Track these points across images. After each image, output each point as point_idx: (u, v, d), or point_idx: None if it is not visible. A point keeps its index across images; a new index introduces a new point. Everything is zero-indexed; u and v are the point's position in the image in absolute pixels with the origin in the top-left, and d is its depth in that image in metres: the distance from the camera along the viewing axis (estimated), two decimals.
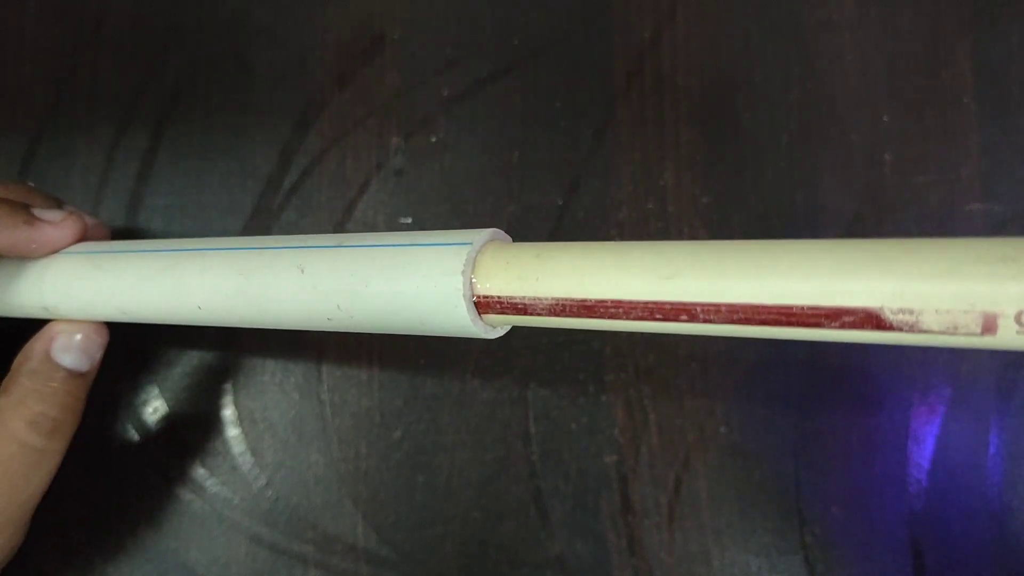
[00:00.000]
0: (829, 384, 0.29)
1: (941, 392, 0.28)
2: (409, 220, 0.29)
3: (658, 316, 0.15)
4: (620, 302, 0.16)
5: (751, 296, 0.14)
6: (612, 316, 0.16)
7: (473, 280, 0.18)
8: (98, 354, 0.25)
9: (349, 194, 0.29)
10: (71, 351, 0.24)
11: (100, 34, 0.31)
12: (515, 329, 0.28)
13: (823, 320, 0.14)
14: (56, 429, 0.23)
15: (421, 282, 0.18)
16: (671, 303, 0.15)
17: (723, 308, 0.15)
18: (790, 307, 0.14)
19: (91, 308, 0.24)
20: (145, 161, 0.30)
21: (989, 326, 0.12)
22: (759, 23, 0.30)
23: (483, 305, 0.18)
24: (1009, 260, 0.12)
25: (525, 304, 0.17)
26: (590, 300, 0.16)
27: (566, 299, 0.17)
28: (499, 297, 0.18)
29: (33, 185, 0.26)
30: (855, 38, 0.30)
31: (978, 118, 0.29)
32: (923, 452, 0.28)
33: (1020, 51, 0.30)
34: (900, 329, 0.13)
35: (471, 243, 0.18)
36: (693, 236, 0.29)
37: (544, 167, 0.29)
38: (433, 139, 0.30)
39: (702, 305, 0.15)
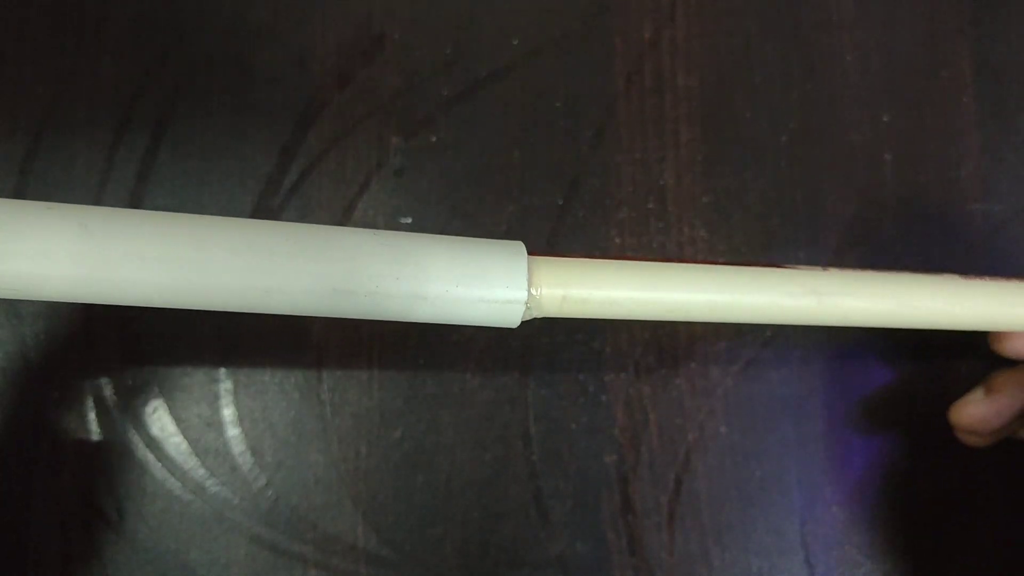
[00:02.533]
0: (828, 384, 0.29)
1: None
2: (409, 220, 0.29)
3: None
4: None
5: None
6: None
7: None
8: None
9: (349, 194, 0.29)
10: None
11: (100, 34, 0.31)
12: (514, 329, 0.28)
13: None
14: None
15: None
16: None
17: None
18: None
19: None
20: (145, 161, 0.30)
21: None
22: (759, 23, 0.30)
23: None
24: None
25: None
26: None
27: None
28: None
29: None
30: (855, 38, 0.30)
31: (978, 118, 0.29)
32: (921, 451, 0.28)
33: (1020, 51, 0.30)
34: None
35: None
36: (693, 236, 0.29)
37: (544, 167, 0.29)
38: (433, 139, 0.30)
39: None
